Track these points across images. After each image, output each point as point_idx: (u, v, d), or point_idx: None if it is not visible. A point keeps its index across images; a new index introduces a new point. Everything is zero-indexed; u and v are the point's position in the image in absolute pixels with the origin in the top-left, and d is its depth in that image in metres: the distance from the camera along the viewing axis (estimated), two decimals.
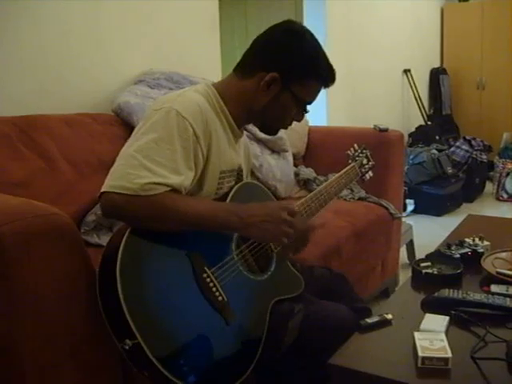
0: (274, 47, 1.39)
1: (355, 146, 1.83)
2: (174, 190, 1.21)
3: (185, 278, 1.22)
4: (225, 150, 1.40)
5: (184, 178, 1.24)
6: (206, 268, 1.24)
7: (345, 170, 1.73)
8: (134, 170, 1.18)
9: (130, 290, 1.11)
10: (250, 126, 2.05)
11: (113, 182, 1.17)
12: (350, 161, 1.79)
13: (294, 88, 1.39)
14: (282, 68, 1.36)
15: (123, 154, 1.23)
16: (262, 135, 1.59)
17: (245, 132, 1.56)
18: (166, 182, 1.19)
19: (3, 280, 1.06)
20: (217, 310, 1.24)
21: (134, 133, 1.30)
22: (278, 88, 1.38)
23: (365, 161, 1.83)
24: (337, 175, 1.69)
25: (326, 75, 1.43)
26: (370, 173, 1.86)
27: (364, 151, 1.84)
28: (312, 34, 1.41)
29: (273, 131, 1.51)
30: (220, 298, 1.25)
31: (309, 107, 1.47)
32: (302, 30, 1.41)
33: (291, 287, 1.47)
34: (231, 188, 1.44)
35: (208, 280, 1.24)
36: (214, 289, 1.24)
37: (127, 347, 1.08)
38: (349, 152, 1.80)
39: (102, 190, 1.18)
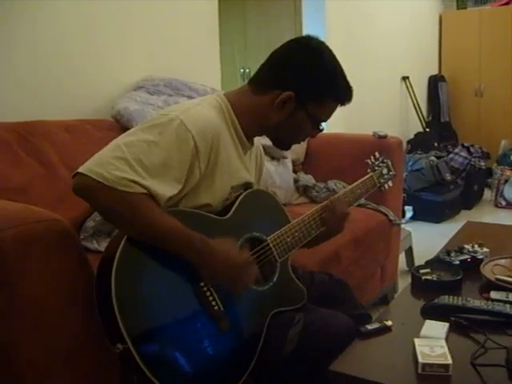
0: (290, 65, 1.35)
1: (376, 154, 1.75)
2: (150, 194, 1.18)
3: (181, 286, 1.22)
4: (233, 166, 1.37)
5: (163, 188, 1.19)
6: None
7: (362, 179, 1.66)
8: (115, 161, 1.15)
9: (124, 296, 1.11)
10: None
11: (92, 166, 1.15)
12: (368, 170, 1.71)
13: (310, 107, 1.36)
14: (298, 87, 1.33)
15: (112, 144, 1.21)
16: (261, 141, 1.57)
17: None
18: (143, 182, 1.16)
19: (3, 285, 1.06)
20: (211, 319, 1.23)
21: (132, 128, 1.28)
22: (293, 106, 1.35)
23: (385, 170, 1.74)
24: (353, 185, 1.63)
25: (343, 95, 1.39)
26: (390, 183, 1.76)
27: (385, 161, 1.75)
28: (330, 50, 1.37)
29: (286, 146, 1.48)
30: (216, 308, 1.24)
31: (322, 124, 1.43)
32: (320, 47, 1.37)
33: (292, 299, 1.44)
34: (237, 197, 1.40)
35: (205, 289, 1.24)
36: (211, 298, 1.24)
37: (118, 351, 1.09)
38: (368, 161, 1.73)
39: (80, 170, 1.16)
